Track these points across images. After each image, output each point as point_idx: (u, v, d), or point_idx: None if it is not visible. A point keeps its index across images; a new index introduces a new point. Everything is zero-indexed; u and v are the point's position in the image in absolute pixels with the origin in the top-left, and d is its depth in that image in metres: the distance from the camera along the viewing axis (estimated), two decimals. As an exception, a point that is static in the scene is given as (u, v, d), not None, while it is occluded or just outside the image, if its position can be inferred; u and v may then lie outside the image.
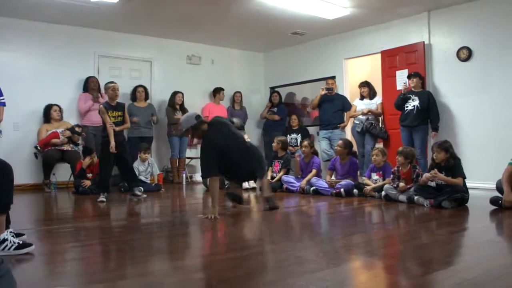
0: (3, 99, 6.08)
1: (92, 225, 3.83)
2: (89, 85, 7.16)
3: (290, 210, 4.78)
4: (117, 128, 5.22)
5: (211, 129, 4.18)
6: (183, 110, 7.87)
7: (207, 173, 4.10)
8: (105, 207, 4.91)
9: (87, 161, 6.27)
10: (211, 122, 4.33)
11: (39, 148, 6.44)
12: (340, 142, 6.01)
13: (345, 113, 7.52)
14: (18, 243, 2.52)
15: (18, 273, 2.22)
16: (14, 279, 1.74)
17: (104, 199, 5.13)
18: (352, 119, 7.38)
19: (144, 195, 5.43)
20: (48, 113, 6.81)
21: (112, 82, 5.39)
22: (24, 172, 6.60)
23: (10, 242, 2.50)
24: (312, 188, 5.85)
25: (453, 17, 6.53)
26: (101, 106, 5.30)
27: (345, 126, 7.48)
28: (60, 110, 6.90)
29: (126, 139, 5.98)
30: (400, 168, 4.97)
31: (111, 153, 5.16)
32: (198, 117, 4.14)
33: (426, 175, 4.54)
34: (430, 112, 6.30)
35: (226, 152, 4.07)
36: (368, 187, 5.34)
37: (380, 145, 7.01)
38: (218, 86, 8.53)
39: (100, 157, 5.35)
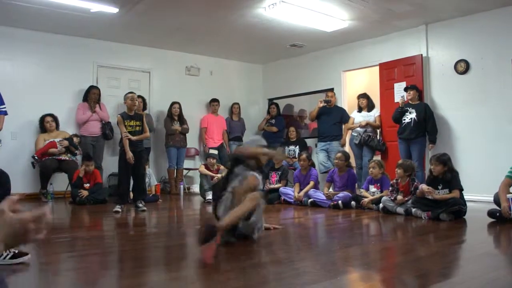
0: (4, 107, 6.05)
1: (88, 235, 3.81)
2: (90, 95, 7.15)
3: (288, 222, 4.76)
4: (133, 138, 5.20)
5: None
6: (181, 121, 7.88)
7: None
8: (102, 218, 4.89)
9: (83, 168, 6.24)
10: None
11: (36, 158, 6.43)
12: (340, 154, 6.00)
13: (343, 125, 7.54)
14: (14, 252, 2.50)
15: (13, 282, 2.20)
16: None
17: (119, 210, 5.08)
18: (350, 131, 7.39)
19: (145, 208, 5.42)
20: (43, 124, 6.82)
21: (131, 92, 5.37)
22: (21, 182, 6.58)
23: (6, 251, 2.48)
24: (309, 200, 5.85)
25: (451, 31, 6.58)
26: (118, 115, 5.30)
27: (344, 141, 7.48)
28: (55, 119, 6.87)
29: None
30: (399, 181, 4.97)
31: (128, 164, 5.15)
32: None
33: (423, 187, 4.54)
34: (427, 124, 6.32)
35: None
36: (365, 199, 5.34)
37: (378, 157, 7.01)
38: (216, 97, 8.55)
39: (118, 167, 5.35)
